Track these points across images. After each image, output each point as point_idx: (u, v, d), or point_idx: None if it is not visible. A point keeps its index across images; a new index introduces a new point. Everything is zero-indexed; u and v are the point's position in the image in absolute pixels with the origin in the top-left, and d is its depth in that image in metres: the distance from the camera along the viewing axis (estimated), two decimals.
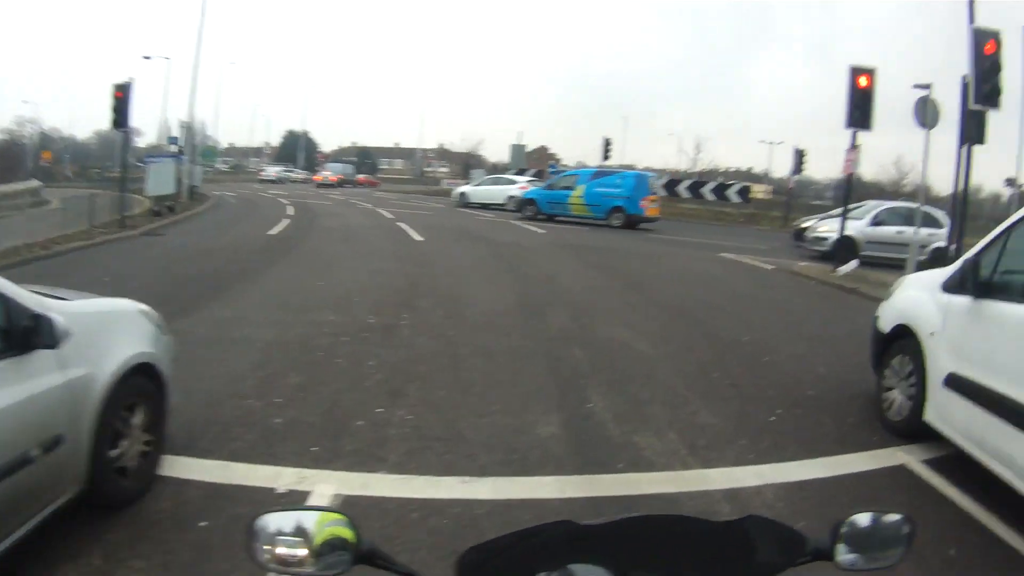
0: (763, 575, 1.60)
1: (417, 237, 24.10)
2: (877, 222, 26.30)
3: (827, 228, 27.18)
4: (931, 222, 24.86)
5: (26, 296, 4.51)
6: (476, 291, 14.43)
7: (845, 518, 1.70)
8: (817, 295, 17.70)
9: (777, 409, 8.08)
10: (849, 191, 23.70)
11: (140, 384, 5.37)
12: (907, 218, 24.89)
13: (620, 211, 33.14)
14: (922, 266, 19.03)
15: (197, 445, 6.24)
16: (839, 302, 16.81)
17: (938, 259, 22.83)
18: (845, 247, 23.94)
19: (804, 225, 31.80)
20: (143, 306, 6.08)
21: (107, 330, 5.26)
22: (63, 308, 4.82)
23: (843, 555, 1.68)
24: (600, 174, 36.19)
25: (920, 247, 22.42)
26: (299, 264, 17.34)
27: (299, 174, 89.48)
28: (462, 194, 45.27)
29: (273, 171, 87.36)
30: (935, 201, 33.95)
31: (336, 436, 6.55)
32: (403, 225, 27.76)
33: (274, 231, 25.25)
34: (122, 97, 24.64)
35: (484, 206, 41.78)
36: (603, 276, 17.70)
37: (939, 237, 24.53)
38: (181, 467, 5.79)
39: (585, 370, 9.20)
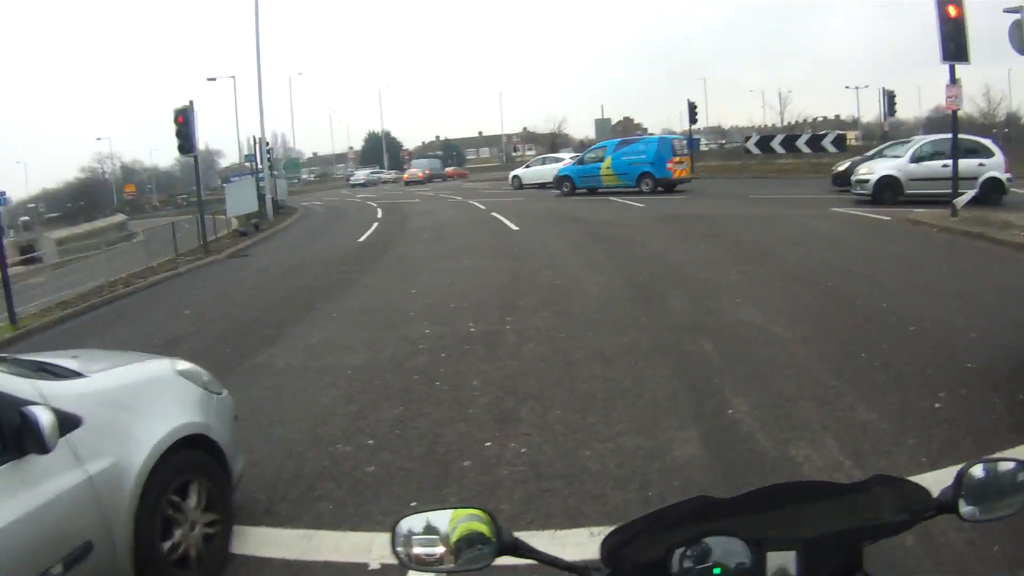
0: (893, 531, 1.65)
1: (512, 226, 23.13)
2: (918, 158, 24.46)
3: (867, 169, 26.14)
4: (979, 152, 24.10)
5: (15, 385, 3.82)
6: (582, 280, 13.40)
7: (965, 470, 1.71)
8: (943, 245, 16.12)
9: (940, 392, 6.88)
10: (956, 128, 21.68)
11: (190, 459, 4.68)
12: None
13: (649, 176, 34.04)
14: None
15: (277, 510, 5.48)
16: (967, 250, 15.29)
17: (993, 190, 23.22)
18: (888, 187, 24.01)
19: (841, 168, 31.02)
20: (184, 364, 5.35)
21: (135, 405, 4.54)
22: (70, 390, 4.16)
23: (966, 507, 1.69)
24: (624, 143, 37.20)
25: (971, 178, 22.40)
26: (390, 271, 16.64)
27: (388, 175, 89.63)
28: (515, 177, 46.35)
29: (362, 175, 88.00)
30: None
31: (439, 484, 5.67)
32: (497, 215, 26.87)
33: (363, 237, 24.76)
34: (183, 122, 24.67)
35: (541, 186, 42.47)
36: (715, 247, 16.41)
37: (991, 167, 23.57)
38: (258, 541, 5.05)
39: (718, 366, 8.12)
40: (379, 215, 33.90)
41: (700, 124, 56.93)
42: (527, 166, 45.73)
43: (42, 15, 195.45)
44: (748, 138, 53.03)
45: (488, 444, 6.30)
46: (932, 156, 24.33)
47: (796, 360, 8.15)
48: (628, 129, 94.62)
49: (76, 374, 4.49)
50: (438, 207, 35.41)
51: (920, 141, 26.67)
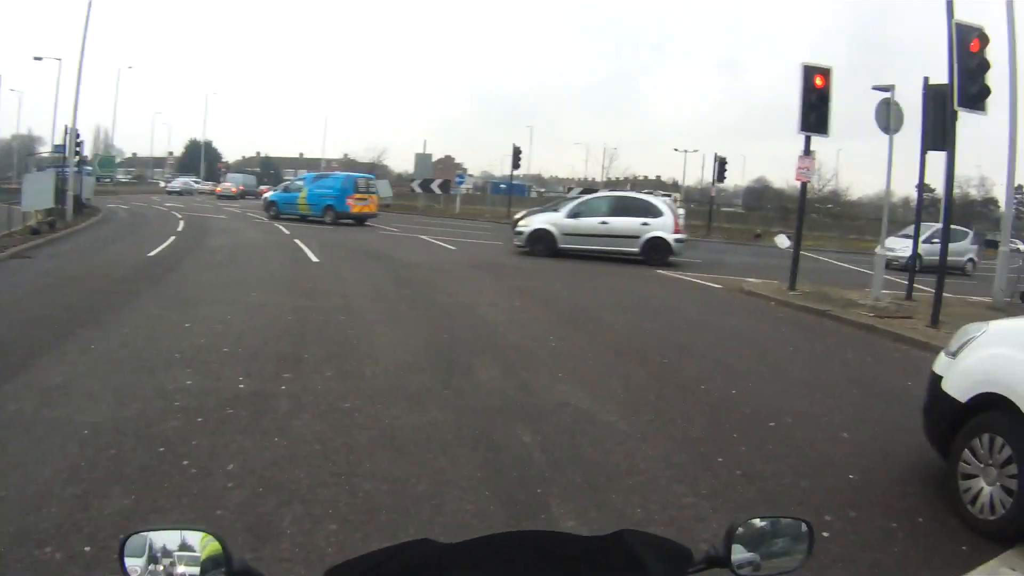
0: None
1: (313, 257, 21.35)
2: (575, 214, 25.35)
3: (525, 222, 26.87)
4: (648, 211, 24.57)
5: None
6: (379, 332, 11.85)
7: (739, 522, 1.63)
8: (786, 322, 15.64)
9: (825, 515, 5.79)
10: (803, 201, 21.74)
11: None
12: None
13: (331, 209, 37.02)
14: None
15: None
16: (813, 330, 14.90)
17: (655, 249, 23.73)
18: (540, 240, 25.24)
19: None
20: None
21: None
22: None
23: (740, 560, 1.59)
24: (320, 177, 41.36)
25: (634, 237, 23.59)
26: (168, 296, 14.51)
27: (204, 185, 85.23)
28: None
29: (179, 182, 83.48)
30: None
31: None
32: (299, 242, 25.01)
33: (154, 252, 22.32)
34: None
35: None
36: (530, 304, 15.36)
37: (657, 227, 23.93)
38: None
39: (540, 469, 6.46)
40: (180, 228, 31.40)
41: (522, 171, 57.20)
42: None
43: None
44: (570, 189, 55.33)
45: None
46: (590, 213, 24.42)
47: (638, 465, 6.67)
48: (448, 167, 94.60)
49: None
50: (242, 227, 33.08)
51: (581, 198, 27.34)
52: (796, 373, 11.02)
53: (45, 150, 52.34)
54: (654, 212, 23.73)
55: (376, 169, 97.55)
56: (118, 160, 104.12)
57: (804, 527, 1.67)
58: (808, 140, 18.87)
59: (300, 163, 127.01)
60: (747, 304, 17.72)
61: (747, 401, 8.98)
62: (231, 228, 32.00)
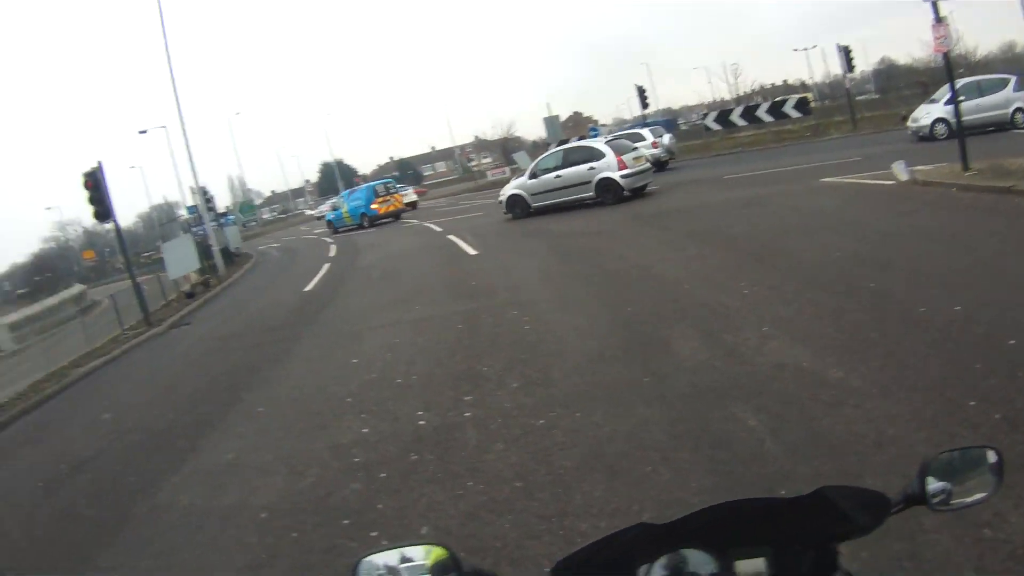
0: (863, 530, 1.55)
1: (470, 250, 20.94)
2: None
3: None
4: (592, 157, 25.43)
5: None
6: (558, 321, 11.10)
7: (930, 458, 1.69)
8: (978, 211, 13.76)
9: None
10: (951, 72, 19.88)
11: None
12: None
13: (364, 215, 44.11)
14: None
15: None
16: (1010, 213, 13.24)
17: (606, 189, 24.69)
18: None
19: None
20: None
21: None
22: None
23: (934, 490, 1.66)
24: (351, 192, 49.86)
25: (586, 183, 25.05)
26: (329, 333, 14.45)
27: None
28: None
29: (327, 206, 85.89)
30: None
31: None
32: (453, 238, 24.66)
33: (310, 285, 22.65)
34: (93, 186, 22.69)
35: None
36: (706, 250, 14.18)
37: (602, 168, 24.84)
38: None
39: (776, 459, 5.51)
40: (331, 253, 32.00)
41: (651, 108, 55.48)
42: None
43: None
44: (706, 114, 51.77)
45: None
46: (545, 170, 26.42)
47: (886, 432, 5.59)
48: (579, 124, 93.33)
49: None
50: (393, 235, 33.31)
51: (536, 160, 28.81)
52: (1013, 268, 9.60)
53: (181, 213, 55.18)
54: (597, 155, 25.10)
55: (509, 142, 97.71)
56: (258, 202, 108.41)
57: (993, 456, 1.71)
58: (935, 6, 17.09)
59: (433, 156, 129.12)
60: (926, 196, 15.89)
61: (975, 318, 7.74)
62: (382, 240, 32.15)
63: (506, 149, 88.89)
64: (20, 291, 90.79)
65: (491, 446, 6.91)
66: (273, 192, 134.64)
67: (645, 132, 38.60)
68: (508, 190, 27.99)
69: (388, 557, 1.69)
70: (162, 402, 12.61)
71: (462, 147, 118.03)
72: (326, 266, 27.07)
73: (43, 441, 13.07)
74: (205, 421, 10.45)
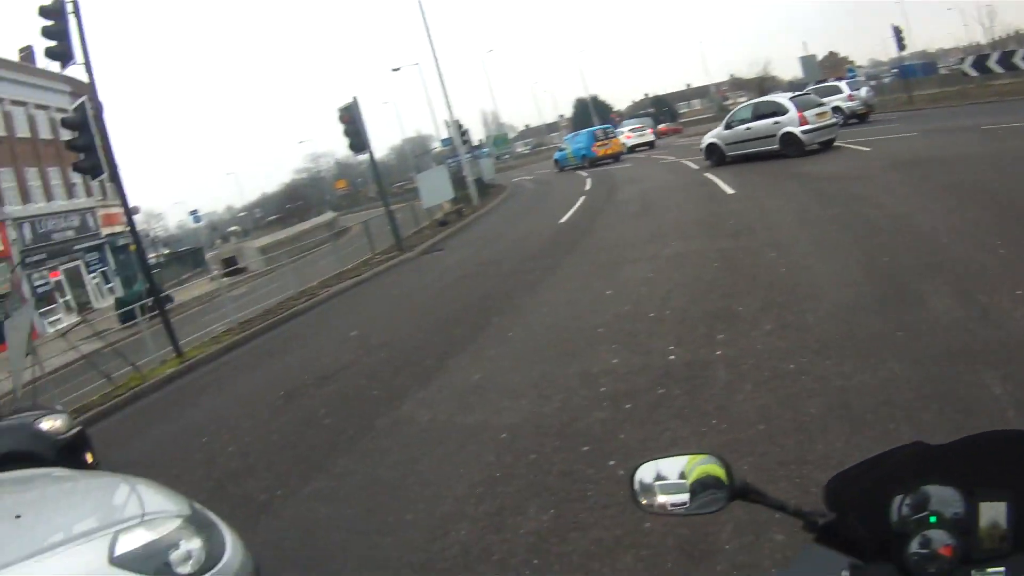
0: None
1: (727, 189, 20.09)
2: None
3: None
4: (776, 112, 25.44)
5: None
6: (812, 268, 10.34)
7: None
8: None
9: None
10: None
11: None
12: None
13: (586, 157, 47.33)
14: None
15: None
16: None
17: (790, 143, 24.37)
18: None
19: None
20: (138, 539, 3.66)
21: None
22: None
23: None
24: (573, 136, 54.66)
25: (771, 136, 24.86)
26: (584, 263, 14.48)
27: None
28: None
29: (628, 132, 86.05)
30: None
31: None
32: (710, 176, 23.89)
33: (565, 217, 22.86)
34: (349, 120, 24.00)
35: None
36: (964, 203, 12.76)
37: (786, 123, 24.73)
38: None
39: None
40: (587, 186, 31.94)
41: (907, 50, 52.22)
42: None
43: (230, 31, 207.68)
44: (963, 59, 48.21)
45: None
46: (738, 121, 26.77)
47: None
48: (835, 65, 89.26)
49: None
50: (649, 171, 32.86)
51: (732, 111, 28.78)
52: None
53: (435, 146, 57.37)
54: (781, 110, 25.44)
55: (764, 81, 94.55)
56: (511, 136, 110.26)
57: None
58: None
59: (689, 94, 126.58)
60: None
61: None
62: (638, 175, 31.91)
63: (762, 89, 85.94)
64: (271, 218, 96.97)
65: (740, 387, 6.65)
66: (527, 126, 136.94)
67: (842, 85, 37.90)
68: (707, 138, 28.94)
69: (665, 465, 1.83)
70: (411, 323, 13.19)
71: (718, 85, 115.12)
72: (581, 199, 27.21)
73: (289, 353, 14.02)
74: (455, 342, 10.79)
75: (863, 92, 36.87)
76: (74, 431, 8.97)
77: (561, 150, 54.16)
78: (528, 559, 4.67)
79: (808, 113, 24.80)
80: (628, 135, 59.25)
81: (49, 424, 8.72)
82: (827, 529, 1.65)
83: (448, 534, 5.22)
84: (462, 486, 5.97)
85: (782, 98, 26.93)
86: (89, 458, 8.94)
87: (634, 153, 52.53)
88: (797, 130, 24.53)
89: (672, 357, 7.79)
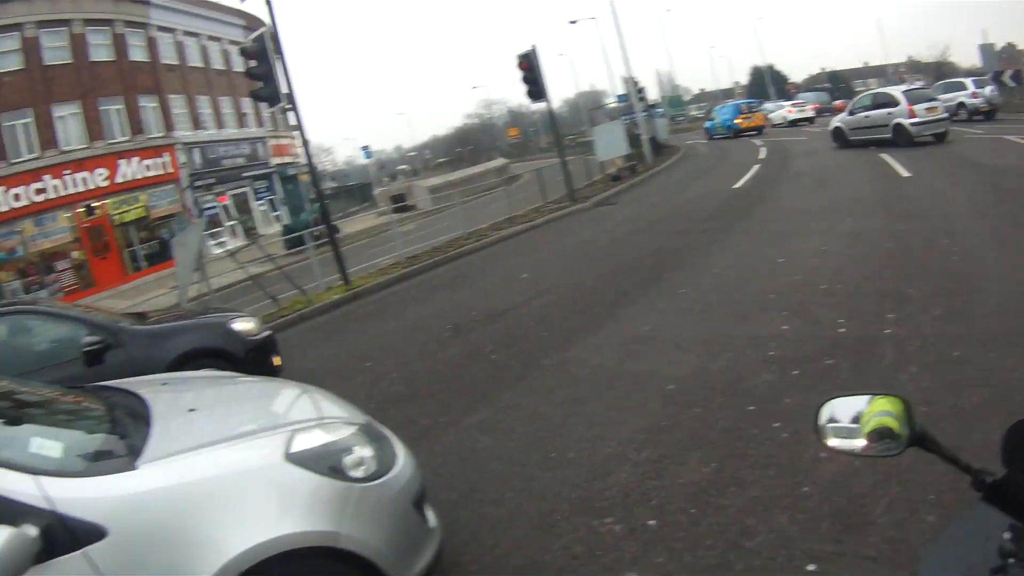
0: None
1: (903, 172, 19.30)
2: None
3: None
4: (889, 104, 27.27)
5: (10, 484, 3.09)
6: (987, 258, 9.86)
7: None
8: None
9: None
10: None
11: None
12: None
13: (731, 128, 50.84)
14: None
15: None
16: None
17: (899, 134, 25.82)
18: None
19: None
20: (310, 441, 3.91)
21: (199, 510, 3.35)
22: (93, 491, 3.22)
23: None
24: (721, 108, 58.04)
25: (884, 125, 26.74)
26: (758, 230, 14.31)
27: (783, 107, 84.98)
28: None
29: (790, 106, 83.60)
30: None
31: None
32: (885, 156, 22.99)
33: (739, 183, 22.52)
34: (528, 67, 24.05)
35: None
36: None
37: (897, 115, 26.22)
38: None
39: None
40: (761, 155, 31.42)
41: None
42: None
43: None
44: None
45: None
46: (860, 110, 28.74)
47: None
48: (1012, 56, 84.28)
49: (126, 462, 3.47)
50: (823, 146, 32.03)
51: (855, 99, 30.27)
52: None
53: (609, 102, 57.86)
54: (893, 103, 27.06)
55: (942, 67, 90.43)
56: (686, 99, 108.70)
57: None
58: None
59: (865, 72, 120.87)
60: None
61: None
62: (812, 149, 31.07)
63: (939, 74, 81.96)
64: (440, 159, 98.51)
65: (905, 367, 6.51)
66: (702, 90, 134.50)
67: (968, 81, 38.14)
68: (834, 122, 31.32)
69: (851, 402, 1.94)
70: (582, 271, 13.33)
71: (895, 66, 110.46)
72: (755, 167, 26.81)
73: (457, 290, 14.37)
74: (625, 293, 10.93)
75: (987, 90, 36.42)
76: (264, 334, 9.56)
77: (711, 120, 57.38)
78: (685, 507, 4.75)
79: (918, 107, 26.47)
80: (790, 109, 60.41)
81: (241, 325, 9.28)
82: (995, 488, 1.68)
83: (609, 475, 5.36)
84: (626, 431, 6.09)
85: (896, 91, 28.41)
86: (276, 361, 9.49)
87: (797, 127, 52.59)
88: (906, 122, 26.13)
89: (842, 330, 7.70)
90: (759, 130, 50.14)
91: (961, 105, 34.45)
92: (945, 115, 27.21)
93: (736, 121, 51.05)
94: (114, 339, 8.31)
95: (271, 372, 9.18)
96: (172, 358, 8.42)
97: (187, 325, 9.21)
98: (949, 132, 26.45)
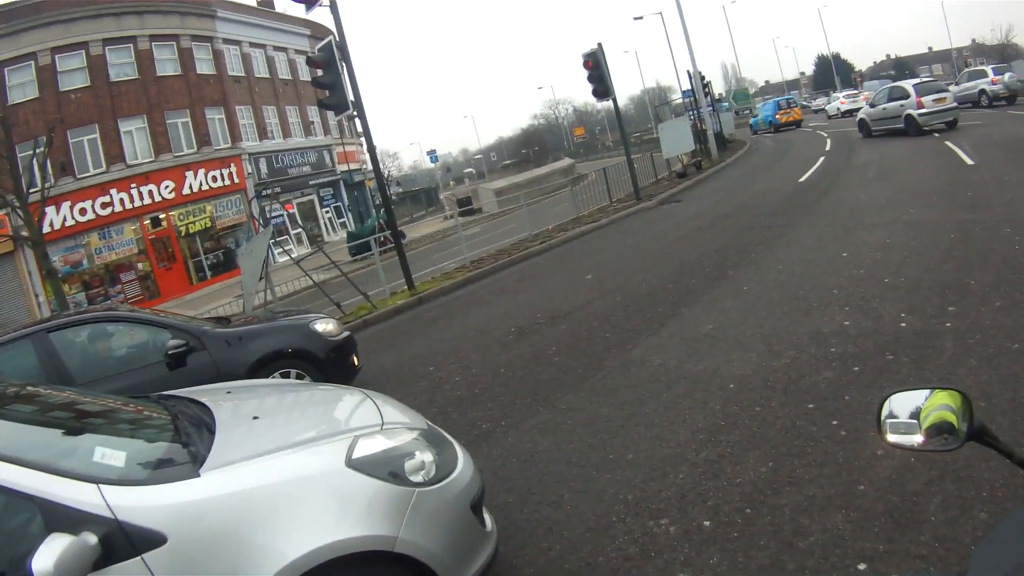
0: None
1: (968, 160, 18.80)
2: None
3: None
4: (902, 96, 29.69)
5: (72, 493, 3.19)
6: None
7: None
8: None
9: None
10: None
11: None
12: None
13: (772, 124, 55.55)
14: None
15: None
16: None
17: (910, 124, 28.43)
18: None
19: None
20: (372, 447, 4.01)
21: (260, 516, 3.42)
22: (154, 499, 3.32)
23: None
24: (764, 105, 64.08)
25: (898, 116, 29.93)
26: (822, 224, 14.08)
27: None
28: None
29: (822, 100, 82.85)
30: None
31: None
32: (950, 144, 22.46)
33: (804, 176, 22.23)
34: (593, 66, 23.97)
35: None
36: None
37: (908, 106, 28.88)
38: None
39: None
40: (827, 147, 31.10)
41: None
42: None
43: None
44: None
45: None
46: (879, 102, 31.58)
47: None
48: None
49: (189, 470, 3.57)
50: (889, 138, 31.62)
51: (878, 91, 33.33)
52: None
53: (675, 97, 58.08)
54: (904, 95, 29.49)
55: (1007, 48, 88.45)
56: (751, 91, 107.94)
57: None
58: None
59: (930, 58, 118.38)
60: None
61: None
62: (875, 141, 30.56)
63: (1004, 56, 79.93)
64: (506, 162, 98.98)
65: (965, 360, 6.42)
66: (767, 82, 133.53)
67: (988, 69, 41.17)
68: (859, 114, 34.31)
69: (910, 397, 2.01)
70: (647, 270, 13.33)
71: (959, 50, 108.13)
72: (821, 159, 26.47)
73: (521, 292, 14.44)
74: (689, 292, 10.94)
75: (1006, 77, 38.11)
76: (344, 335, 9.74)
77: (755, 116, 64.15)
78: (741, 507, 4.77)
79: (926, 99, 28.72)
80: (843, 100, 63.10)
81: (323, 326, 9.48)
82: None
83: (666, 476, 5.39)
84: (685, 431, 6.12)
85: (907, 84, 31.12)
86: (355, 361, 9.69)
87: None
88: (915, 112, 28.57)
89: (903, 324, 7.60)
90: (798, 124, 54.85)
91: (982, 92, 37.51)
92: (954, 104, 29.08)
93: (776, 116, 55.97)
94: (197, 342, 8.54)
95: (351, 372, 9.49)
96: (254, 360, 8.66)
97: (269, 328, 9.40)
98: (959, 119, 28.51)
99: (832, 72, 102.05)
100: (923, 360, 6.58)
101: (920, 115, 28.10)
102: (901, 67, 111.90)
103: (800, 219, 15.01)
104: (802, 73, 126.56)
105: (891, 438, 1.99)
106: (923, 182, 16.36)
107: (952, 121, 28.29)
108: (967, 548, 3.87)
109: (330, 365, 9.03)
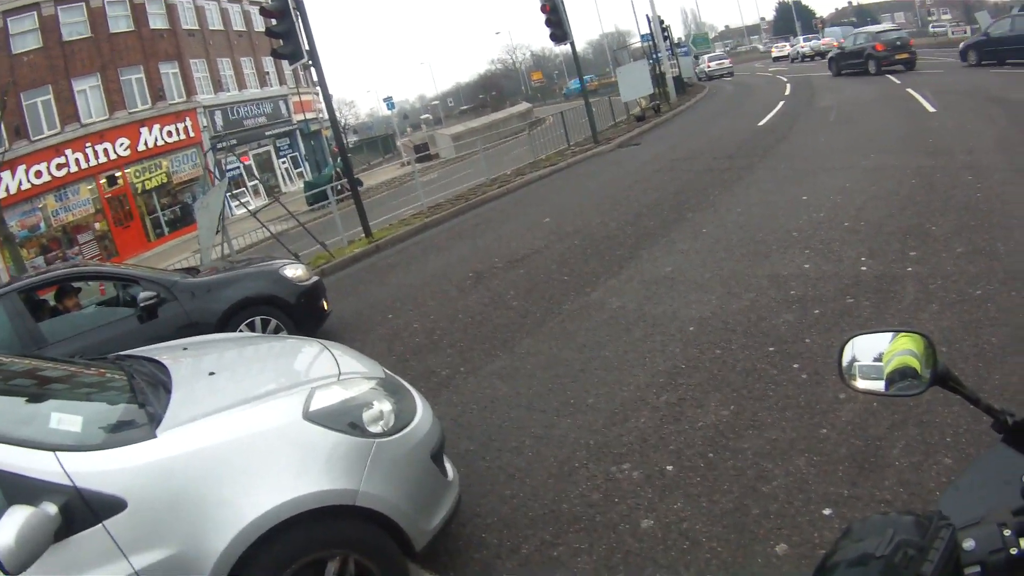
0: None
1: (929, 107, 18.78)
2: None
3: None
4: None
5: (28, 462, 3.07)
6: (1009, 197, 9.47)
7: None
8: None
9: None
10: None
11: (323, 534, 3.45)
12: None
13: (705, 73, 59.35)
14: None
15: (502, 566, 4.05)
16: None
17: None
18: None
19: None
20: (328, 399, 3.88)
21: (218, 474, 3.34)
22: (113, 463, 3.20)
23: None
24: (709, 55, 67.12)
25: None
26: (781, 167, 14.04)
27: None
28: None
29: (807, 46, 79.92)
30: None
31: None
32: (912, 91, 22.48)
33: (764, 120, 22.20)
34: (551, 9, 23.79)
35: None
36: None
37: None
38: None
39: None
40: (787, 91, 31.17)
41: None
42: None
43: None
44: None
45: (828, 512, 3.94)
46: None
47: None
48: None
49: (146, 432, 3.45)
50: (849, 82, 31.54)
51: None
52: None
53: (634, 42, 57.64)
54: (869, 41, 33.37)
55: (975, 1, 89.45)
56: (711, 36, 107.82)
57: None
58: None
59: (893, 6, 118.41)
60: None
61: None
62: (838, 85, 30.58)
63: (968, 7, 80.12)
64: (464, 107, 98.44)
65: (926, 305, 6.41)
66: (727, 27, 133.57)
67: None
68: (830, 55, 38.66)
69: (872, 340, 1.90)
70: (605, 213, 13.26)
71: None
72: (780, 103, 26.50)
73: (479, 237, 14.31)
74: (647, 234, 10.88)
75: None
76: (313, 280, 9.61)
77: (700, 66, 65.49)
78: (703, 451, 4.73)
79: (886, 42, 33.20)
80: (803, 45, 67.17)
81: (292, 271, 9.34)
82: (1017, 430, 1.64)
83: (628, 420, 5.34)
84: (645, 374, 6.07)
85: (871, 32, 35.88)
86: (325, 305, 9.59)
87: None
88: (876, 54, 32.81)
89: (864, 268, 7.59)
90: (730, 73, 58.92)
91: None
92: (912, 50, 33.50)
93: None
94: (168, 293, 8.39)
95: (321, 316, 9.42)
96: (225, 308, 8.53)
97: (239, 275, 9.23)
98: (916, 60, 32.22)
99: (793, 18, 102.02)
100: (884, 304, 6.56)
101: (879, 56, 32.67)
102: (862, 15, 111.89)
103: (759, 162, 14.98)
104: (762, 19, 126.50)
105: (855, 383, 1.89)
106: (884, 128, 16.36)
107: (910, 61, 32.07)
108: (932, 493, 3.84)
109: (300, 310, 8.94)
